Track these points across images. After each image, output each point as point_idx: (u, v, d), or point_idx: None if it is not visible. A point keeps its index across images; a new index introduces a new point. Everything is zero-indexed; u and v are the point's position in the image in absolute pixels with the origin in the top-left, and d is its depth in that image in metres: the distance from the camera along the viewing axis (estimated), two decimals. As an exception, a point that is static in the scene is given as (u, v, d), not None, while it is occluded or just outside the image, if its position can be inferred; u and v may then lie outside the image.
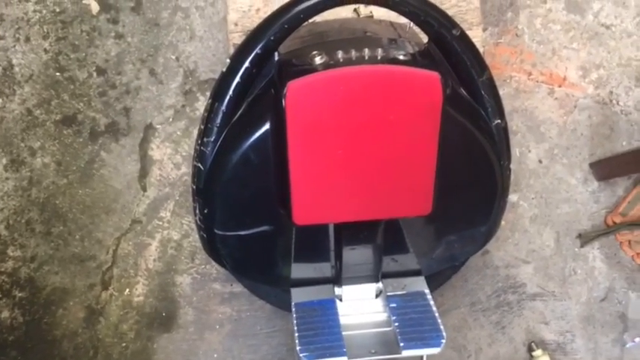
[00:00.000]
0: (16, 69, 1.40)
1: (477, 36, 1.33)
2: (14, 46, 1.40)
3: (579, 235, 1.48)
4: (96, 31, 1.42)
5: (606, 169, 1.46)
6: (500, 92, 1.01)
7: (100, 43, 1.42)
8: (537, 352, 1.42)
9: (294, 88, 0.84)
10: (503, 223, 1.29)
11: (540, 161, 1.49)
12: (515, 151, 1.47)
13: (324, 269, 1.10)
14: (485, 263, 1.47)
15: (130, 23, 1.42)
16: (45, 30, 1.41)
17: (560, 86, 1.49)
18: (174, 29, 1.43)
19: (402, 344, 0.99)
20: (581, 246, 1.48)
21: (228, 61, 0.93)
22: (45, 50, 1.41)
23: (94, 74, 1.42)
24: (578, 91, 1.49)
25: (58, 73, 1.41)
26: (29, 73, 1.40)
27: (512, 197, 1.47)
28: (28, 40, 1.41)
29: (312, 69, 0.86)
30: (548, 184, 1.49)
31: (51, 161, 1.41)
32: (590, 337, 1.47)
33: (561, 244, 1.48)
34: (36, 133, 1.41)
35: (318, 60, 0.87)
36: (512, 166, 1.07)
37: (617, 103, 1.50)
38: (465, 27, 1.06)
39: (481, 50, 1.34)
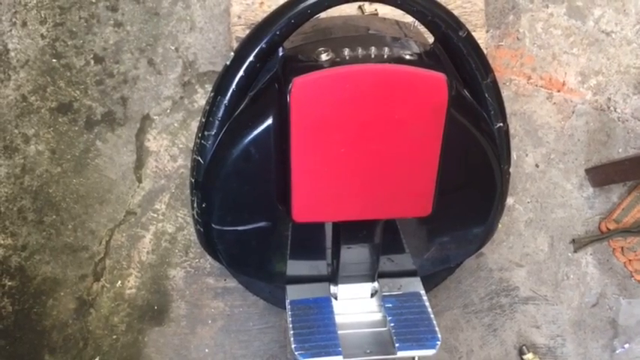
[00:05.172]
0: (12, 54, 1.38)
1: (480, 38, 1.32)
2: (10, 30, 1.38)
3: (573, 241, 1.49)
4: (94, 18, 1.39)
5: (602, 175, 1.46)
6: (500, 95, 1.01)
7: (98, 31, 1.39)
8: (528, 356, 1.43)
9: (300, 84, 0.83)
10: (499, 226, 1.29)
11: (537, 165, 1.49)
12: (513, 155, 1.47)
13: (321, 267, 1.10)
14: (480, 265, 1.47)
15: (130, 11, 1.40)
16: (42, 15, 1.38)
17: (559, 91, 1.49)
18: (174, 19, 1.41)
19: (397, 345, 0.99)
20: (575, 251, 1.49)
21: (232, 54, 0.92)
22: (42, 36, 1.38)
23: (92, 62, 1.40)
24: (576, 96, 1.50)
25: (54, 60, 1.39)
26: (25, 59, 1.38)
27: (509, 200, 1.47)
28: (24, 24, 1.38)
29: (318, 65, 0.85)
30: (543, 189, 1.49)
31: (45, 149, 1.39)
32: (581, 342, 1.48)
33: (555, 249, 1.49)
34: (30, 119, 1.39)
35: (324, 57, 0.86)
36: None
37: (615, 110, 1.50)
38: (469, 28, 1.06)
39: (483, 52, 1.34)
